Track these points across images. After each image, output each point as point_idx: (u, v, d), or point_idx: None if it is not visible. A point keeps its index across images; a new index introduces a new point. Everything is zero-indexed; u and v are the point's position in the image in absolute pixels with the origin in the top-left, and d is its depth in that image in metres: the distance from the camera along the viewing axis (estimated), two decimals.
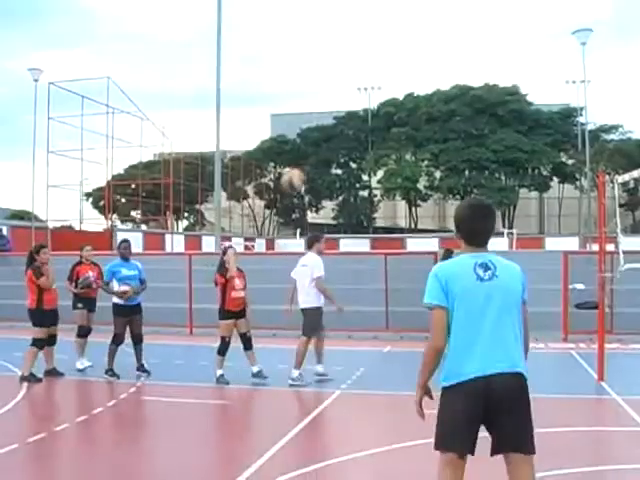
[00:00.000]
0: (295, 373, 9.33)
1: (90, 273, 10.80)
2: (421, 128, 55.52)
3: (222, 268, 9.61)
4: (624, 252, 9.23)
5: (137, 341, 10.11)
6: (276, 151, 59.12)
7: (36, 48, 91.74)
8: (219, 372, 9.48)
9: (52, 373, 9.92)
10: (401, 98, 59.06)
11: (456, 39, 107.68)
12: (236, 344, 9.73)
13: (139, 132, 37.00)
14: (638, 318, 14.17)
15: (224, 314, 9.59)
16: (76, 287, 10.69)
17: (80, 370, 10.35)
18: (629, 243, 12.90)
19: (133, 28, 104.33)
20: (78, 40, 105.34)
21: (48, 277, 9.67)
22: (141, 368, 10.07)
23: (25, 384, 9.41)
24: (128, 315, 10.02)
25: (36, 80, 30.87)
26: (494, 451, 3.71)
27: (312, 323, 9.56)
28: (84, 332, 10.59)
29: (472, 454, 3.69)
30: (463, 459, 3.70)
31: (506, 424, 3.60)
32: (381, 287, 15.18)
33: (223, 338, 9.55)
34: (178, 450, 6.49)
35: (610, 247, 10.16)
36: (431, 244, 37.06)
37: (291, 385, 9.26)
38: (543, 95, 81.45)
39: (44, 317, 9.68)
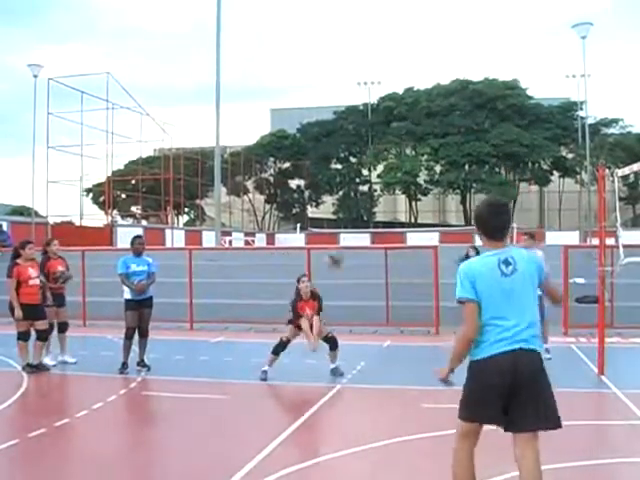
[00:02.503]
0: None
1: (60, 268, 10.80)
2: (421, 122, 55.45)
3: (296, 298, 9.50)
4: (624, 246, 9.22)
5: (142, 335, 10.15)
6: (276, 146, 59.06)
7: (36, 43, 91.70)
8: (265, 367, 9.47)
9: (39, 367, 9.98)
10: (401, 93, 58.97)
11: (456, 33, 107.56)
12: (237, 339, 9.71)
13: (139, 127, 37.09)
14: (638, 312, 14.17)
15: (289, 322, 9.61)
16: (56, 282, 10.68)
17: (51, 366, 10.39)
18: (629, 237, 12.88)
19: (133, 23, 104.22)
20: (78, 35, 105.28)
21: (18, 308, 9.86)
22: (141, 363, 10.10)
23: (26, 378, 9.46)
24: (137, 308, 10.08)
25: (36, 76, 30.83)
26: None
27: None
28: (51, 330, 10.55)
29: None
30: (480, 431, 4.32)
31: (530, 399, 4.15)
32: (381, 282, 15.17)
33: (281, 338, 9.55)
34: (178, 444, 6.50)
35: (610, 241, 10.14)
36: (431, 238, 37.10)
37: None
38: (543, 89, 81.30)
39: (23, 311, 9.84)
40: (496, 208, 4.39)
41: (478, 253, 15.00)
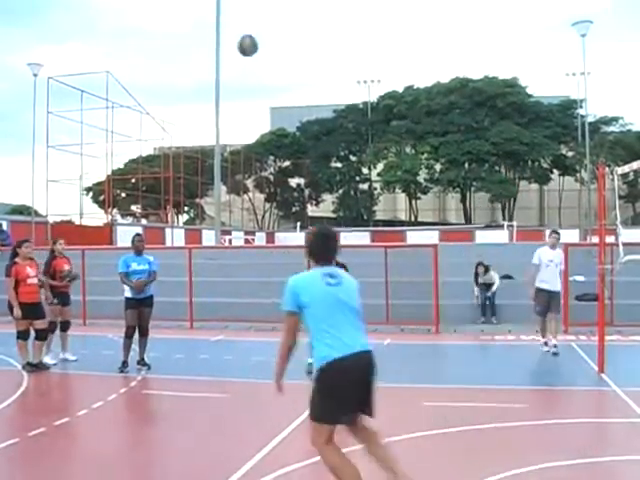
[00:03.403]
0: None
1: (66, 267, 10.86)
2: (421, 121, 55.40)
3: None
4: (624, 244, 9.22)
5: (142, 334, 10.16)
6: (276, 144, 59.00)
7: (36, 43, 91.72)
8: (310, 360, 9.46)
9: (38, 366, 9.99)
10: (401, 91, 58.91)
11: (456, 31, 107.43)
12: (237, 338, 9.72)
13: (139, 126, 36.98)
14: (638, 310, 14.18)
15: None
16: (62, 281, 10.72)
17: (51, 364, 10.41)
18: (629, 235, 12.88)
19: (132, 22, 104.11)
20: (77, 35, 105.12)
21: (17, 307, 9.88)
22: (141, 362, 10.11)
23: (26, 377, 9.47)
24: (137, 307, 10.10)
25: (35, 75, 30.75)
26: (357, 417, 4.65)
27: None
28: (53, 328, 10.63)
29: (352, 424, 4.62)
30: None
31: (368, 393, 4.55)
32: (381, 280, 15.17)
33: None
34: (179, 443, 6.50)
35: (610, 239, 10.14)
36: (431, 237, 37.07)
37: None
38: (543, 87, 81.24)
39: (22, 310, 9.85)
40: (326, 237, 4.76)
41: (487, 270, 15.48)
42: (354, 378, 4.45)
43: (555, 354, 10.99)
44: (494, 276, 15.60)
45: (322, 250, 4.71)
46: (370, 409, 4.62)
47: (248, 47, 6.44)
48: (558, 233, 11.83)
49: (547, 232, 12.29)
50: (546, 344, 11.31)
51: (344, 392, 4.44)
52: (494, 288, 15.47)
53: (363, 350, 4.50)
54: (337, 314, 4.49)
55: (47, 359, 10.45)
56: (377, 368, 4.56)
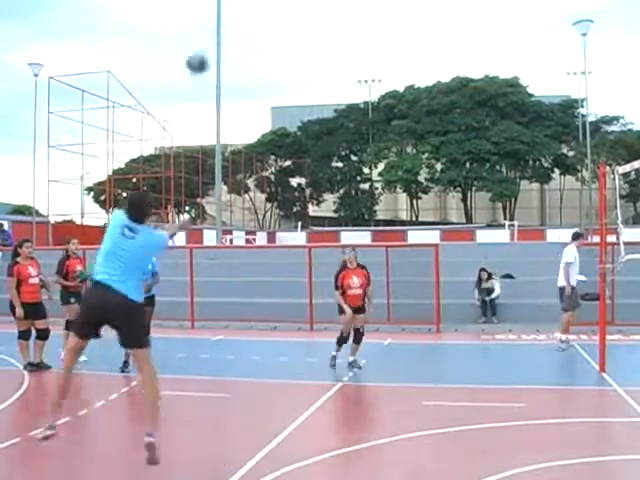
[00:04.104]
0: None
1: (78, 267, 10.87)
2: (422, 120, 55.32)
3: (340, 268, 10.09)
4: (625, 243, 9.22)
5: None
6: (277, 144, 58.96)
7: (36, 42, 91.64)
8: (333, 353, 10.05)
9: (39, 366, 10.00)
10: (401, 90, 58.81)
11: (456, 31, 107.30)
12: (238, 337, 9.72)
13: (140, 126, 37.04)
14: (639, 309, 14.18)
15: (340, 309, 9.95)
16: (74, 280, 10.73)
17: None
18: (630, 234, 12.90)
19: (133, 21, 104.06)
20: (79, 34, 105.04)
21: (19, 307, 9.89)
22: None
23: (27, 376, 9.48)
24: None
25: (36, 75, 30.82)
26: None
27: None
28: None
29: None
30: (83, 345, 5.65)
31: (122, 328, 5.45)
32: (382, 279, 15.17)
33: (341, 332, 9.95)
34: (179, 442, 6.50)
35: (611, 238, 10.14)
36: (432, 236, 37.07)
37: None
38: (544, 86, 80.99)
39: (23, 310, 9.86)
40: (131, 202, 5.76)
41: (490, 276, 15.58)
42: (94, 302, 5.52)
43: (562, 350, 11.56)
44: (495, 284, 15.61)
45: (132, 209, 5.59)
46: (125, 339, 5.56)
47: (197, 63, 6.39)
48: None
49: (571, 232, 12.94)
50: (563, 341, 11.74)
51: (85, 309, 5.66)
52: (494, 295, 15.48)
53: (114, 288, 5.33)
54: (113, 256, 5.42)
55: (63, 354, 10.46)
56: (127, 311, 5.37)
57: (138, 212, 5.62)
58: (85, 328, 5.56)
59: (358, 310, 9.88)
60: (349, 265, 10.01)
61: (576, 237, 12.36)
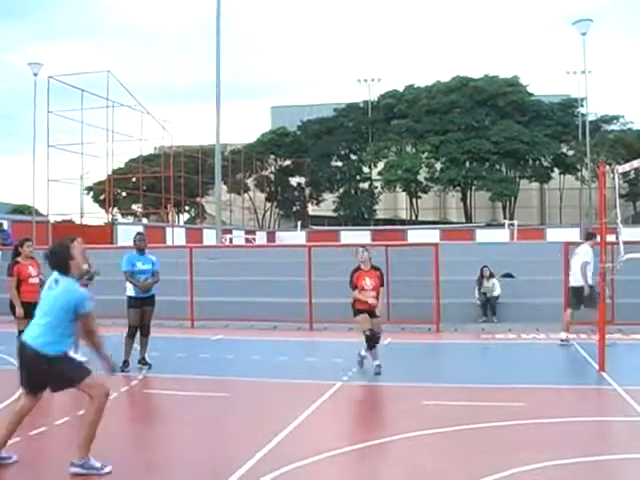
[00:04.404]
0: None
1: (85, 265, 10.87)
2: (421, 120, 55.33)
3: (355, 268, 9.88)
4: (625, 242, 9.22)
5: (144, 333, 10.19)
6: (276, 143, 58.96)
7: (36, 42, 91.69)
8: (363, 353, 9.89)
9: None
10: (401, 90, 58.83)
11: (456, 30, 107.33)
12: (238, 337, 9.71)
13: (139, 126, 36.93)
14: (639, 308, 14.17)
15: (355, 312, 9.78)
16: (81, 278, 10.75)
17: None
18: (630, 233, 12.88)
19: (133, 21, 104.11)
20: (79, 34, 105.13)
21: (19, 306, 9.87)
22: (142, 361, 10.12)
23: None
24: (140, 306, 10.15)
25: (36, 74, 30.76)
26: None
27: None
28: None
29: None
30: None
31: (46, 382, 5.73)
32: None
33: (363, 332, 9.67)
34: (179, 442, 6.51)
35: (611, 238, 10.14)
36: (432, 236, 37.13)
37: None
38: (543, 86, 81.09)
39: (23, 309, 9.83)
40: (50, 253, 5.95)
41: (491, 275, 15.60)
42: (21, 362, 5.81)
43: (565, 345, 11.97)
44: (496, 284, 15.60)
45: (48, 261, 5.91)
46: (54, 389, 5.82)
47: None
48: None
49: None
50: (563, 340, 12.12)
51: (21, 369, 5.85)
52: (495, 293, 15.47)
53: (27, 343, 5.63)
54: (39, 311, 5.75)
55: (78, 356, 10.49)
56: (36, 362, 5.57)
57: (52, 262, 5.85)
58: (28, 386, 5.83)
59: (373, 314, 9.67)
60: (362, 267, 9.80)
61: (590, 237, 12.29)
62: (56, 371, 5.60)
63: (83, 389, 5.63)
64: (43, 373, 5.61)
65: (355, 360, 10.04)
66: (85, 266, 10.93)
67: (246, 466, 5.63)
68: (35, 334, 5.62)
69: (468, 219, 57.18)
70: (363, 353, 9.86)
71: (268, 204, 61.75)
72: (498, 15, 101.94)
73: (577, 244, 13.08)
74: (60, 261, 5.82)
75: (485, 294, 15.47)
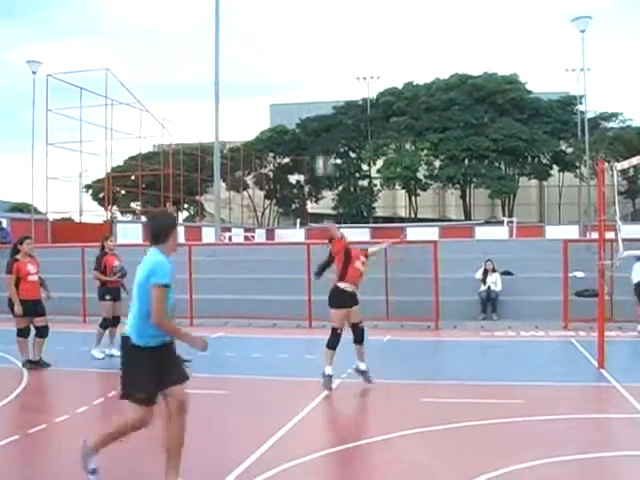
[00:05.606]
0: None
1: (116, 262, 11.06)
2: (420, 117, 55.28)
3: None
4: (623, 240, 9.22)
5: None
6: (275, 141, 58.92)
7: (36, 41, 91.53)
8: (327, 370, 8.49)
9: (39, 364, 10.01)
10: (400, 87, 58.78)
11: (455, 27, 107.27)
12: (237, 335, 9.70)
13: (138, 124, 36.92)
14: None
15: (335, 301, 8.61)
16: (114, 276, 10.91)
17: (97, 359, 10.67)
18: (629, 231, 12.89)
19: (133, 21, 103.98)
20: (78, 33, 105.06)
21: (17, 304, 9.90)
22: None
23: (26, 374, 9.48)
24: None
25: (34, 72, 30.74)
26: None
27: None
28: (107, 325, 10.88)
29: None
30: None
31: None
32: (381, 276, 15.18)
33: (334, 330, 8.57)
34: None
35: (610, 235, 10.14)
36: (431, 233, 37.08)
37: None
38: (542, 83, 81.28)
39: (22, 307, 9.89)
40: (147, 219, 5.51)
41: (494, 270, 15.62)
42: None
43: None
44: (498, 279, 15.61)
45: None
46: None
47: None
48: None
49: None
50: None
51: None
52: (497, 289, 15.49)
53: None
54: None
55: (94, 352, 10.65)
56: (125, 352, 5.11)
57: (153, 229, 5.10)
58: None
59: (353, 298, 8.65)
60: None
61: None
62: (132, 364, 5.23)
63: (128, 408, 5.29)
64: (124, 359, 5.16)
65: (352, 359, 10.04)
66: (117, 262, 11.08)
67: (246, 463, 5.64)
68: (130, 318, 5.07)
69: (467, 216, 57.16)
70: (328, 370, 8.53)
71: (267, 202, 61.72)
72: (497, 12, 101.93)
73: (576, 241, 13.06)
74: (162, 229, 5.02)
75: (489, 287, 15.48)
